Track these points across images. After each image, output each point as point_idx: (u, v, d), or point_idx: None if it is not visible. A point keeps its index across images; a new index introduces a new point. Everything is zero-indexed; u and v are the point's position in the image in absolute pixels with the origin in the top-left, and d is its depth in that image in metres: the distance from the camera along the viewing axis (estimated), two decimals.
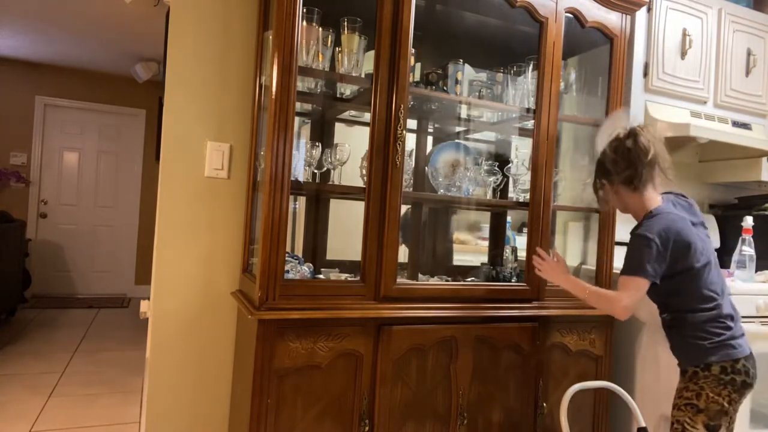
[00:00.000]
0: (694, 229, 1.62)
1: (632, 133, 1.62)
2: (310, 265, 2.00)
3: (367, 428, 1.78)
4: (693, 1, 2.54)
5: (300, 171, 1.90)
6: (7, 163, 5.65)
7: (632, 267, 1.58)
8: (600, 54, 2.29)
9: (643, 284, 1.56)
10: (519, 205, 2.30)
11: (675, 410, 1.60)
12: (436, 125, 2.49)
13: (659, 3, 2.45)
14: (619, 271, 2.11)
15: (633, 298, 1.56)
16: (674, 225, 1.57)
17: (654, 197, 1.66)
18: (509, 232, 2.58)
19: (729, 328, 1.56)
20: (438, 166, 2.24)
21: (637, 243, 1.58)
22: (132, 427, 2.75)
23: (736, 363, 1.53)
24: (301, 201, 2.25)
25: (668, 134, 2.42)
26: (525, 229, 2.25)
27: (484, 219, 2.67)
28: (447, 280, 2.18)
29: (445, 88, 2.10)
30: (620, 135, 1.64)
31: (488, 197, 2.26)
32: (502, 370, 1.99)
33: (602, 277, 2.20)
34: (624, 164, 1.62)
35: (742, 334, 1.60)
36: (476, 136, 2.59)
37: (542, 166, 2.06)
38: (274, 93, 1.66)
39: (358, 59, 1.91)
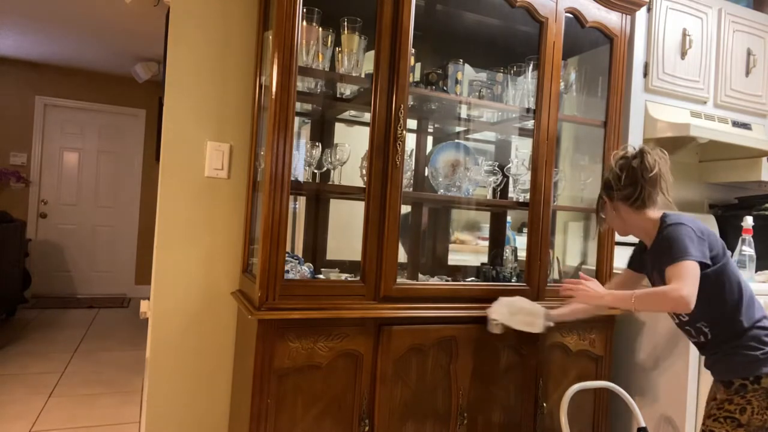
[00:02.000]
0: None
1: (640, 152, 1.60)
2: (310, 265, 2.00)
3: (367, 428, 1.78)
4: (693, 1, 2.54)
5: (300, 171, 1.90)
6: (7, 163, 5.65)
7: (677, 253, 1.45)
8: (600, 54, 2.29)
9: (693, 267, 1.43)
10: (519, 205, 2.30)
11: (711, 420, 1.51)
12: (436, 125, 2.49)
13: (659, 3, 2.45)
14: (619, 272, 2.11)
15: (691, 284, 1.40)
16: (697, 222, 1.54)
17: (654, 216, 1.61)
18: (509, 232, 2.58)
19: None
20: (438, 166, 2.24)
21: (673, 232, 1.49)
22: (132, 427, 2.75)
23: None
24: (301, 201, 2.25)
25: (668, 134, 2.42)
26: (525, 229, 2.25)
27: (484, 219, 2.67)
28: (447, 280, 2.18)
29: (445, 88, 2.10)
30: (628, 153, 1.62)
31: (488, 197, 2.26)
32: (502, 370, 1.99)
33: (602, 277, 2.20)
34: (627, 181, 1.60)
35: None
36: (476, 136, 2.59)
37: (542, 166, 2.06)
38: (274, 93, 1.66)
39: (358, 59, 1.91)
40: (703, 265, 1.46)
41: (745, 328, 1.49)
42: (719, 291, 1.51)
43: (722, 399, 1.51)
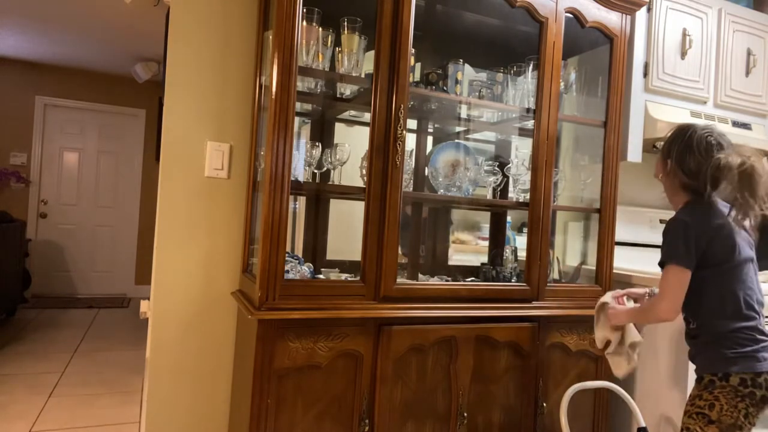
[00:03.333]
0: (739, 230, 1.52)
1: (751, 166, 1.44)
2: (310, 265, 2.00)
3: (367, 428, 1.78)
4: (693, 1, 2.54)
5: (300, 171, 1.90)
6: (7, 163, 5.65)
7: (665, 254, 1.50)
8: (600, 54, 2.29)
9: (677, 275, 1.47)
10: (519, 205, 2.30)
11: (686, 416, 1.52)
12: (436, 125, 2.49)
13: (659, 3, 2.45)
14: (619, 272, 2.11)
15: (671, 297, 1.47)
16: (716, 214, 1.50)
17: (687, 198, 1.58)
18: (509, 232, 2.58)
19: (758, 341, 1.47)
20: (438, 166, 2.24)
21: (672, 225, 1.51)
22: (132, 427, 2.75)
23: (758, 376, 1.43)
24: (301, 201, 2.25)
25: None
26: (525, 229, 2.25)
27: (484, 219, 2.67)
28: (447, 280, 2.18)
29: (445, 88, 2.10)
30: (744, 164, 1.45)
31: (488, 197, 2.26)
32: (502, 370, 1.99)
33: (602, 277, 2.20)
34: (713, 184, 1.49)
35: None
36: (476, 136, 2.59)
37: (542, 166, 2.06)
38: (274, 93, 1.66)
39: (358, 59, 1.91)
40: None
41: (725, 330, 1.48)
42: (701, 291, 1.51)
43: (694, 394, 1.52)
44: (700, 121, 1.62)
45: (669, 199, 1.64)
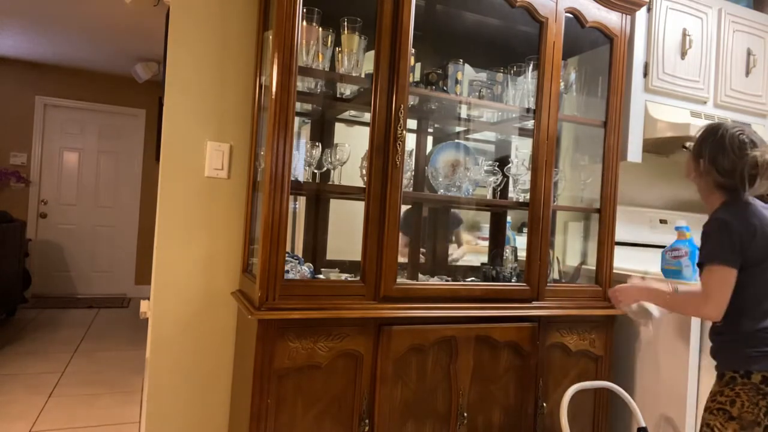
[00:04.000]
0: None
1: None
2: (310, 265, 2.00)
3: (367, 428, 1.78)
4: (693, 1, 2.54)
5: (300, 171, 1.90)
6: (7, 163, 5.65)
7: (708, 255, 1.49)
8: (600, 54, 2.29)
9: (723, 275, 1.46)
10: (519, 205, 2.30)
11: (707, 413, 1.53)
12: (436, 125, 2.49)
13: (659, 3, 2.45)
14: (619, 272, 2.11)
15: (717, 298, 1.46)
16: (755, 214, 1.49)
17: (724, 198, 1.57)
18: (509, 232, 2.58)
19: None
20: (438, 166, 2.24)
21: (713, 225, 1.50)
22: (132, 427, 2.75)
23: None
24: (301, 201, 2.25)
25: (668, 134, 2.43)
26: (525, 229, 2.25)
27: (484, 219, 2.67)
28: (447, 280, 2.18)
29: (445, 88, 2.10)
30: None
31: (488, 197, 2.26)
32: (502, 370, 1.99)
33: (602, 277, 2.20)
34: (750, 182, 1.48)
35: None
36: (476, 136, 2.59)
37: (542, 166, 2.06)
38: (274, 93, 1.66)
39: (358, 59, 1.91)
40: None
41: (751, 329, 1.49)
42: (738, 291, 1.49)
43: (715, 391, 1.53)
44: (725, 121, 1.60)
45: (703, 198, 1.62)
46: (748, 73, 2.70)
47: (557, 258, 2.45)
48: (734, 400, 1.46)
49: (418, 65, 2.22)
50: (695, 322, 2.16)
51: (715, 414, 1.49)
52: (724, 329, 1.55)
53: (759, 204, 1.52)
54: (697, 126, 2.39)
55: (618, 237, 2.27)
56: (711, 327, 1.60)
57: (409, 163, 2.14)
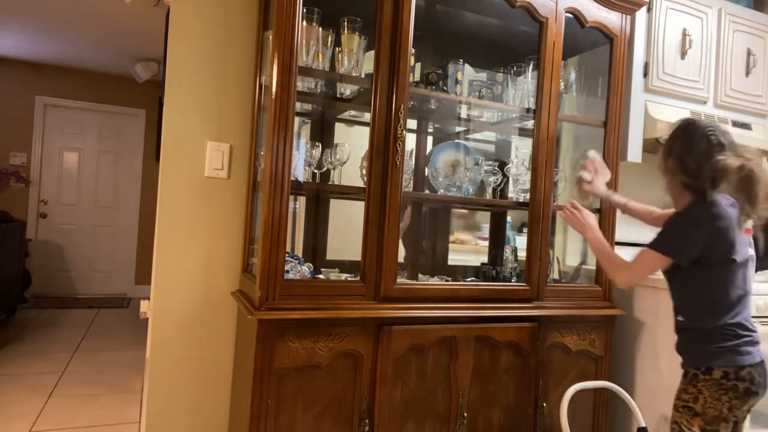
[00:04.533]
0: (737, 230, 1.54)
1: (749, 172, 1.45)
2: (310, 265, 2.00)
3: (367, 428, 1.78)
4: (693, 1, 2.54)
5: (300, 171, 1.90)
6: (7, 163, 5.65)
7: (656, 240, 1.55)
8: (600, 54, 2.29)
9: (652, 259, 1.55)
10: (519, 205, 2.30)
11: (674, 411, 1.57)
12: (436, 125, 2.49)
13: (659, 3, 2.45)
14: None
15: (636, 273, 1.61)
16: (727, 212, 1.50)
17: (692, 197, 1.58)
18: (509, 232, 2.58)
19: (740, 336, 1.50)
20: (438, 166, 2.24)
21: (676, 218, 1.54)
22: (132, 427, 2.75)
23: (741, 370, 1.47)
24: (301, 201, 2.25)
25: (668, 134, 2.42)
26: (525, 229, 2.25)
27: (484, 219, 2.67)
28: (447, 280, 2.18)
29: (445, 88, 2.10)
30: (744, 167, 1.45)
31: (488, 197, 2.26)
32: (502, 370, 1.99)
33: (602, 277, 2.20)
34: (712, 184, 1.49)
35: (756, 342, 1.52)
36: (476, 136, 2.59)
37: (542, 166, 2.06)
38: (274, 93, 1.66)
39: (358, 59, 1.91)
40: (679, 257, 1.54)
41: (711, 326, 1.52)
42: (695, 288, 1.55)
43: (680, 389, 1.57)
44: (699, 119, 1.62)
45: (671, 196, 1.63)
46: (748, 73, 2.70)
47: (557, 258, 2.45)
48: (697, 397, 1.50)
49: (418, 65, 2.22)
50: None
51: (681, 412, 1.53)
52: (688, 325, 1.58)
53: (725, 203, 1.53)
54: None
55: (618, 237, 2.27)
56: (675, 323, 1.63)
57: (409, 163, 2.14)
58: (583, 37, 2.24)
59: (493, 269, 2.29)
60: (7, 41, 4.96)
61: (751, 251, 2.24)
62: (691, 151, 1.52)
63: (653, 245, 1.55)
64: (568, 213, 1.86)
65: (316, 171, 1.95)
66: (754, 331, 1.53)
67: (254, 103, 2.07)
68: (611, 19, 2.20)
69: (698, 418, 1.49)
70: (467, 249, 2.66)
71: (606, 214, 2.20)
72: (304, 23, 1.80)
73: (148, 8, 3.66)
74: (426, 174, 2.29)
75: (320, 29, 1.87)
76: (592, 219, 1.83)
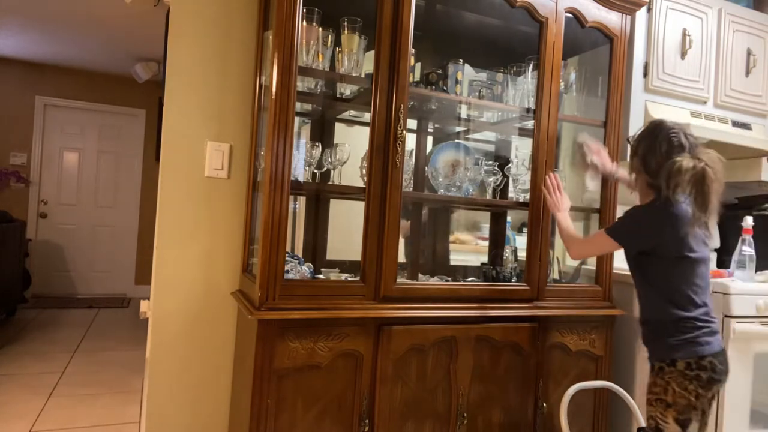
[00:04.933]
0: (696, 227, 1.61)
1: (702, 170, 1.52)
2: (310, 265, 2.00)
3: (367, 428, 1.78)
4: (693, 1, 2.54)
5: (300, 171, 1.90)
6: (7, 163, 5.65)
7: (612, 225, 1.72)
8: (600, 54, 2.29)
9: (604, 242, 1.70)
10: (519, 205, 2.30)
11: (648, 406, 1.64)
12: (436, 125, 2.49)
13: (659, 3, 2.45)
14: (619, 272, 2.12)
15: (587, 249, 1.86)
16: (681, 212, 1.57)
17: (654, 195, 1.67)
18: (509, 232, 2.58)
19: (698, 328, 1.58)
20: (438, 166, 2.24)
21: (634, 210, 1.66)
22: (132, 427, 2.75)
23: (702, 360, 1.55)
24: (301, 201, 2.25)
25: None
26: (525, 229, 2.25)
27: (484, 219, 2.67)
28: (447, 280, 2.18)
29: (445, 88, 2.10)
30: (696, 168, 1.53)
31: (488, 197, 2.26)
32: (502, 370, 1.99)
33: (602, 277, 2.20)
34: (668, 184, 1.55)
35: (714, 332, 1.61)
36: (476, 136, 2.59)
37: (542, 166, 2.06)
38: (274, 93, 1.66)
39: (358, 59, 1.91)
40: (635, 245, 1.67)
41: (669, 319, 1.60)
42: (652, 280, 1.65)
43: (650, 383, 1.64)
44: (666, 121, 1.71)
45: (639, 195, 1.74)
46: (748, 73, 2.70)
47: (557, 258, 2.45)
48: (666, 389, 1.58)
49: (418, 65, 2.22)
50: None
51: (654, 405, 1.61)
52: (650, 316, 1.67)
53: (683, 203, 1.59)
54: (697, 126, 2.39)
55: None
56: (640, 315, 1.72)
57: (409, 163, 2.14)
58: (583, 37, 2.24)
59: (493, 269, 2.29)
60: (7, 41, 4.96)
61: (750, 251, 2.25)
62: (653, 152, 1.62)
63: (607, 230, 1.70)
64: (550, 187, 1.99)
65: (316, 171, 1.95)
66: (712, 322, 1.61)
67: (254, 103, 2.07)
68: (611, 19, 2.20)
69: (671, 409, 1.57)
70: (467, 249, 2.66)
71: (606, 214, 2.20)
72: (304, 23, 1.80)
73: (148, 8, 3.66)
74: (426, 174, 2.29)
75: (320, 29, 1.87)
76: (567, 204, 1.97)
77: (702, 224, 1.58)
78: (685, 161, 1.54)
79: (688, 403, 1.55)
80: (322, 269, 2.07)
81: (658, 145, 1.61)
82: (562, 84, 2.14)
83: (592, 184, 2.09)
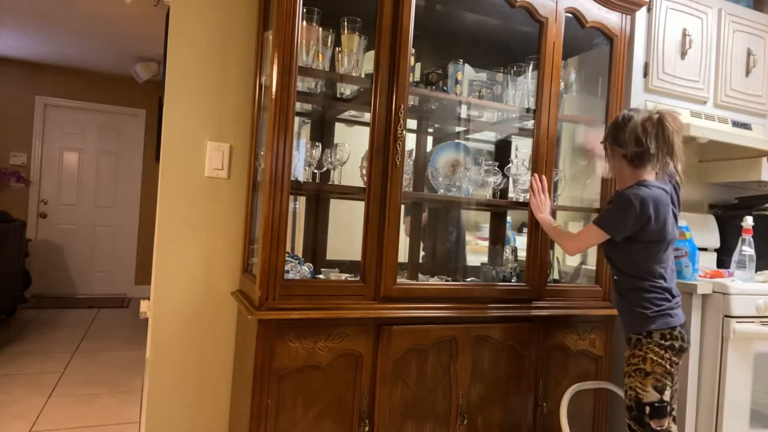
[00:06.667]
0: (671, 208, 1.75)
1: (659, 121, 1.66)
2: (310, 265, 2.00)
3: (367, 428, 1.78)
4: (693, 1, 2.54)
5: (300, 171, 1.90)
6: (7, 163, 5.65)
7: (600, 217, 1.77)
8: (600, 54, 2.29)
9: (595, 234, 1.76)
10: (519, 205, 2.30)
11: (626, 378, 1.73)
12: (436, 125, 2.49)
13: (659, 3, 2.45)
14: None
15: (580, 244, 1.87)
16: (659, 198, 1.69)
17: (648, 175, 1.75)
18: (509, 232, 2.58)
19: (668, 300, 1.72)
20: (438, 166, 2.24)
21: (618, 199, 1.72)
22: (132, 427, 2.75)
23: (674, 330, 1.69)
24: (301, 201, 2.25)
25: None
26: (525, 229, 2.25)
27: (484, 219, 2.67)
28: (447, 280, 2.18)
29: (445, 88, 2.10)
30: (651, 117, 1.68)
31: (488, 197, 2.26)
32: (502, 370, 1.99)
33: (602, 277, 2.20)
34: (637, 144, 1.68)
35: (679, 305, 1.75)
36: (476, 136, 2.59)
37: (542, 166, 2.06)
38: (274, 93, 1.66)
39: (358, 59, 1.91)
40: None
41: (645, 287, 1.71)
42: (631, 257, 1.74)
43: (627, 355, 1.74)
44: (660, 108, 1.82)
45: (617, 178, 1.86)
46: (748, 73, 2.70)
47: (557, 258, 2.45)
48: (645, 358, 1.68)
49: (418, 65, 2.22)
50: (694, 323, 2.16)
51: (633, 376, 1.70)
52: (621, 286, 1.78)
53: (656, 186, 1.71)
54: (697, 126, 2.39)
55: None
56: (615, 287, 1.82)
57: (409, 163, 2.14)
58: (583, 37, 2.24)
59: (493, 269, 2.29)
60: (7, 41, 4.96)
61: (750, 251, 2.25)
62: (618, 127, 1.76)
63: (597, 222, 1.76)
64: (536, 189, 2.04)
65: (316, 171, 1.95)
66: (678, 296, 1.76)
67: (254, 103, 2.07)
68: (611, 19, 2.20)
69: (650, 377, 1.67)
70: (467, 249, 2.66)
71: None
72: (304, 23, 1.80)
73: (148, 8, 3.67)
74: (426, 174, 2.29)
75: (320, 29, 1.87)
76: (548, 208, 2.03)
77: (666, 164, 1.68)
78: (642, 114, 1.70)
79: (664, 370, 1.66)
80: (322, 269, 2.07)
81: (623, 123, 1.75)
82: (562, 84, 2.14)
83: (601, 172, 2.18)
